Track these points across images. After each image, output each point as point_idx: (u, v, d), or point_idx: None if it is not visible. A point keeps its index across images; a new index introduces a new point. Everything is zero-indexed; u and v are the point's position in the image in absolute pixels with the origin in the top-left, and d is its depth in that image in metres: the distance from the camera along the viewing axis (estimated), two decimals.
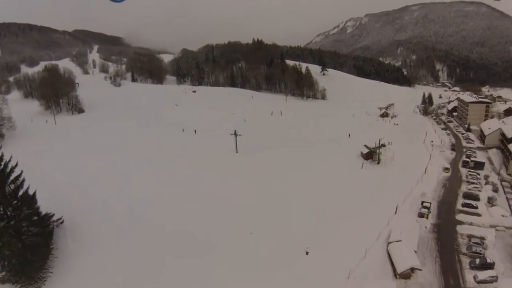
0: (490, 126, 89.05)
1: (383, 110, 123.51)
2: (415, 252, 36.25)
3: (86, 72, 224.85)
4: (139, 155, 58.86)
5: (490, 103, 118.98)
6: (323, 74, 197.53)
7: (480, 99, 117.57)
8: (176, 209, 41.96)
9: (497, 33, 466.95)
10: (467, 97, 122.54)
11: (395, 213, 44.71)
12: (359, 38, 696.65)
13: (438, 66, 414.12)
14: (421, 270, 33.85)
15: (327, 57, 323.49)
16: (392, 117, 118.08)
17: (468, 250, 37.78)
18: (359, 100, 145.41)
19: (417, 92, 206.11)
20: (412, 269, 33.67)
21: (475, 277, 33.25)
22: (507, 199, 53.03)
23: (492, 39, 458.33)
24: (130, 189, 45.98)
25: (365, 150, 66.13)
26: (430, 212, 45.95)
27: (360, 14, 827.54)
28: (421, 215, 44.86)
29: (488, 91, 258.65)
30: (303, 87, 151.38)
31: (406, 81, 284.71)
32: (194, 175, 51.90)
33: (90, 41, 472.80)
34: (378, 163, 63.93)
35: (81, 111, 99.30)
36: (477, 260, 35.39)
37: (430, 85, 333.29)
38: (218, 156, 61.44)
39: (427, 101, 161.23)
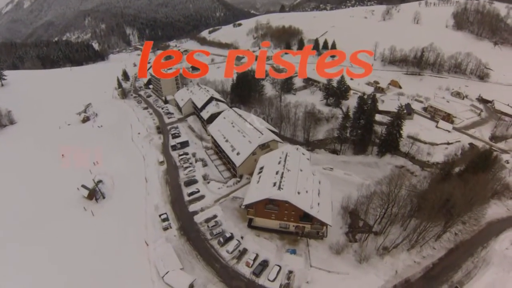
0: (182, 97, 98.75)
1: (83, 115, 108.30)
2: (182, 269, 37.05)
3: None
4: None
5: (178, 75, 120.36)
6: (1, 85, 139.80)
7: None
8: None
9: None
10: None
11: (147, 245, 42.59)
12: (40, 14, 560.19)
13: (129, 31, 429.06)
14: (195, 278, 38.39)
15: (1, 52, 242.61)
16: (93, 118, 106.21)
17: (211, 235, 45.45)
18: (56, 106, 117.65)
19: (112, 67, 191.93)
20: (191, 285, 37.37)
21: (227, 251, 43.02)
22: (216, 166, 64.99)
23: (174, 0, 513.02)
24: None
25: (85, 192, 57.40)
26: (169, 222, 47.92)
27: None
28: (165, 228, 46.60)
29: (176, 45, 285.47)
30: None
31: (98, 56, 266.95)
32: None
33: None
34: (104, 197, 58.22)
35: None
36: (221, 239, 44.40)
37: (124, 51, 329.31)
38: None
39: (123, 78, 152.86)
